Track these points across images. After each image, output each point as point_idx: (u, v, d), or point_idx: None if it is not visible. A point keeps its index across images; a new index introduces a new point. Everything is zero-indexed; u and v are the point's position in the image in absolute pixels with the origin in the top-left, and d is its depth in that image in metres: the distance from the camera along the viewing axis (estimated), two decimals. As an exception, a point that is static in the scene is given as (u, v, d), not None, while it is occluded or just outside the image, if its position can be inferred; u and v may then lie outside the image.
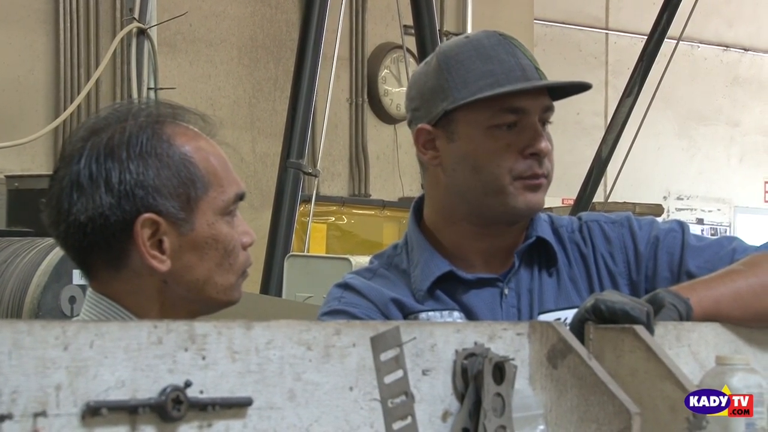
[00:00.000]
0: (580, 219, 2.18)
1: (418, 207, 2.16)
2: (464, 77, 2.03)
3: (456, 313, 2.06)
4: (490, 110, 2.02)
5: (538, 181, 2.04)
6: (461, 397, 1.49)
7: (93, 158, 1.69)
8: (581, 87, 2.09)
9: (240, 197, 1.76)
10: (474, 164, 2.04)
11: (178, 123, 1.76)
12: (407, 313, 2.06)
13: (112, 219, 1.68)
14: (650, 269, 2.11)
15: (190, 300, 1.72)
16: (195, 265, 1.71)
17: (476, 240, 2.09)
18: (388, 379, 1.43)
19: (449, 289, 2.08)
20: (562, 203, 8.90)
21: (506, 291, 2.08)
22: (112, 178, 1.68)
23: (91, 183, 1.69)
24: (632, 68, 7.07)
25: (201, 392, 1.28)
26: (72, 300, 4.64)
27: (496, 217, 2.07)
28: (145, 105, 1.79)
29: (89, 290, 1.76)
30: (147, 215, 1.68)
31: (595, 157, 7.10)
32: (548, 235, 2.12)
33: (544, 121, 2.06)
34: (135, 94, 6.18)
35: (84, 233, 1.69)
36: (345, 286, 2.10)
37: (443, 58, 2.07)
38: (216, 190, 1.73)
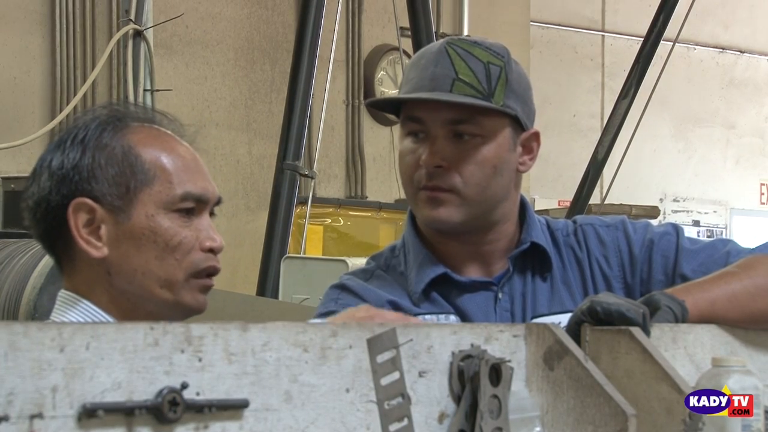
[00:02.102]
0: (575, 222, 2.18)
1: (415, 209, 2.17)
2: (401, 83, 2.10)
3: (452, 317, 2.06)
4: (402, 118, 2.07)
5: (432, 194, 2.03)
6: (458, 399, 1.49)
7: (47, 149, 1.77)
8: (474, 107, 2.01)
9: (197, 198, 1.75)
10: (399, 169, 2.10)
11: (143, 124, 1.78)
12: (403, 315, 2.06)
13: (53, 203, 1.73)
14: (645, 272, 2.12)
15: (138, 295, 1.73)
16: (132, 256, 1.72)
17: (458, 243, 2.09)
18: (385, 380, 1.43)
19: (444, 292, 2.08)
20: (558, 205, 8.88)
21: (500, 295, 2.08)
22: (53, 163, 1.74)
23: (39, 170, 1.76)
24: (628, 70, 7.08)
25: (197, 394, 1.28)
26: (68, 302, 4.61)
27: None
28: (124, 106, 1.83)
29: (61, 290, 1.79)
30: (80, 199, 1.71)
31: (591, 159, 7.10)
32: (543, 240, 2.11)
33: (461, 134, 2.02)
34: (131, 96, 6.18)
35: (35, 219, 1.75)
36: (341, 288, 2.10)
37: (407, 64, 2.15)
38: (163, 185, 1.74)
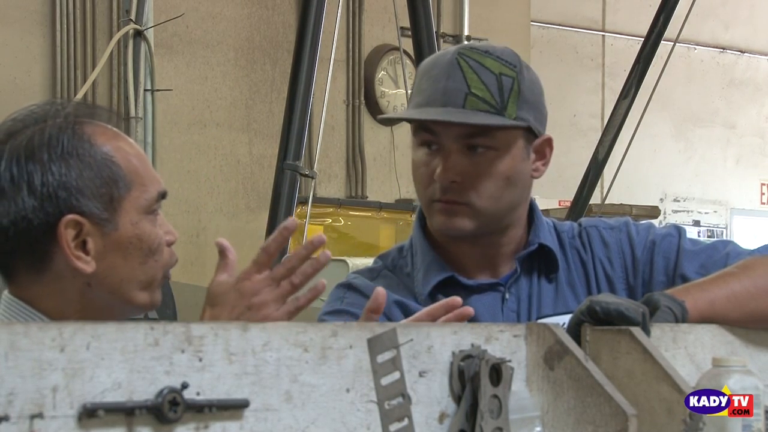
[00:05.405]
0: (579, 225, 2.19)
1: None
2: (413, 92, 2.08)
3: (459, 318, 2.06)
4: (414, 127, 2.05)
5: (446, 206, 2.03)
6: (458, 399, 1.49)
7: (13, 161, 1.67)
8: (482, 126, 2.00)
9: (162, 195, 1.75)
10: (413, 177, 2.08)
11: (96, 123, 1.74)
12: (410, 316, 2.06)
13: (35, 222, 1.66)
14: (647, 274, 2.12)
15: (112, 302, 1.71)
16: (119, 266, 1.70)
17: (469, 246, 2.09)
18: (385, 380, 1.43)
19: (451, 294, 2.07)
20: (559, 205, 8.88)
21: (507, 296, 2.09)
22: (35, 180, 1.66)
23: (12, 186, 1.66)
24: (629, 70, 7.06)
25: (198, 394, 1.28)
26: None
27: None
28: (63, 106, 1.74)
29: (5, 293, 1.73)
30: (70, 216, 1.66)
31: (591, 159, 7.09)
32: (550, 242, 2.12)
33: (475, 146, 2.02)
34: (132, 96, 6.18)
35: (6, 237, 1.67)
36: (348, 287, 2.10)
37: (417, 70, 2.12)
38: (138, 189, 1.72)
